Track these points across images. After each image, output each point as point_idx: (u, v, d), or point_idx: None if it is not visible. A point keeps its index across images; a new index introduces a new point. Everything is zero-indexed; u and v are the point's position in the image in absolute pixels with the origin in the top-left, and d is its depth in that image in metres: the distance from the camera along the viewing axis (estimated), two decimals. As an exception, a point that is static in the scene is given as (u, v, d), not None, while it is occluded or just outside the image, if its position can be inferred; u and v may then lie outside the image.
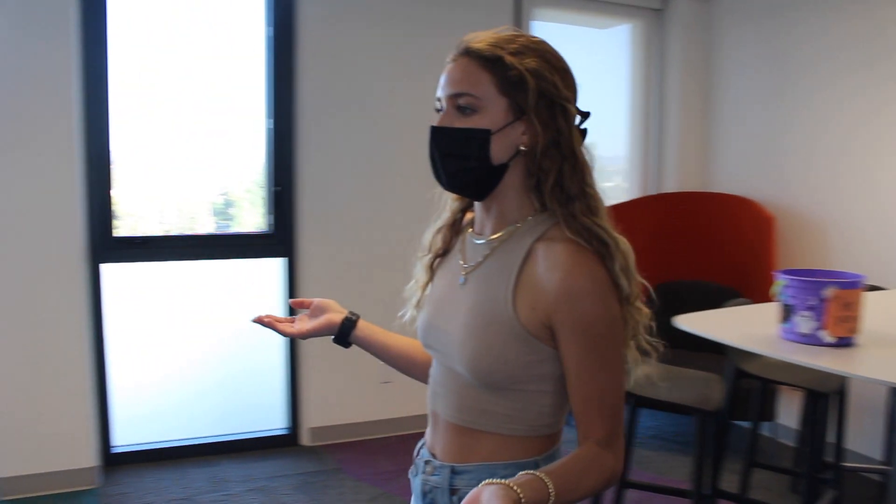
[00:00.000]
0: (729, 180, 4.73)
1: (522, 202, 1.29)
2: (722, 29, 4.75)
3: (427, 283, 1.43)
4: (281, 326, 1.56)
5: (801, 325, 2.11)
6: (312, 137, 4.00)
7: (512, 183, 1.28)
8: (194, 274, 4.07)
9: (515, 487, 1.06)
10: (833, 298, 2.07)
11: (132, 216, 3.91)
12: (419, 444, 1.45)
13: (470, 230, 1.38)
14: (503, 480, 1.06)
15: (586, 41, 4.96)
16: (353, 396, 4.19)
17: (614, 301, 1.21)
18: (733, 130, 4.72)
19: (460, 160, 1.25)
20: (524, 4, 4.45)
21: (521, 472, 1.11)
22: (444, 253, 1.42)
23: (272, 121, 4.01)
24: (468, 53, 1.25)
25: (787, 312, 2.15)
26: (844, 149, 4.02)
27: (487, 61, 1.23)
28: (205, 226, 4.20)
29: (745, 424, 4.13)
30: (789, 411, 4.11)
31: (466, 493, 1.08)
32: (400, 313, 1.51)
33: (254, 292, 4.24)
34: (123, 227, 3.80)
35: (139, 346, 4.02)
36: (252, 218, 4.22)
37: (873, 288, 3.22)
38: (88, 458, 3.55)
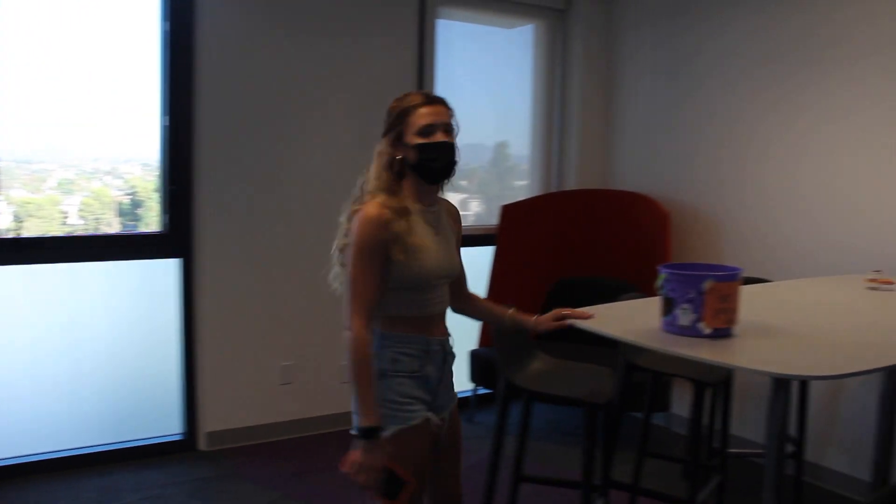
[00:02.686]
0: (627, 177, 4.85)
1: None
2: (623, 29, 4.86)
3: (415, 245, 2.07)
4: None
5: (681, 318, 2.17)
6: (210, 135, 3.91)
7: None
8: (86, 276, 3.91)
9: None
10: (710, 291, 2.13)
11: (34, 217, 3.74)
12: (424, 351, 2.13)
13: (419, 206, 2.13)
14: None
15: (491, 40, 4.99)
16: (252, 399, 4.11)
17: None
18: (633, 129, 4.83)
19: (455, 161, 2.15)
20: (428, 4, 4.44)
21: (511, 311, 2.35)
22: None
23: (168, 118, 3.90)
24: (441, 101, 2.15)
25: (669, 305, 2.21)
26: (738, 146, 4.17)
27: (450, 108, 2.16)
28: (111, 226, 4.04)
29: (641, 416, 4.24)
30: (682, 401, 4.24)
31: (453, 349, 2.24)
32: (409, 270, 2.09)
33: (148, 294, 4.11)
34: (21, 228, 3.63)
35: (25, 352, 3.84)
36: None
37: (758, 280, 3.34)
38: (-33, 471, 3.38)
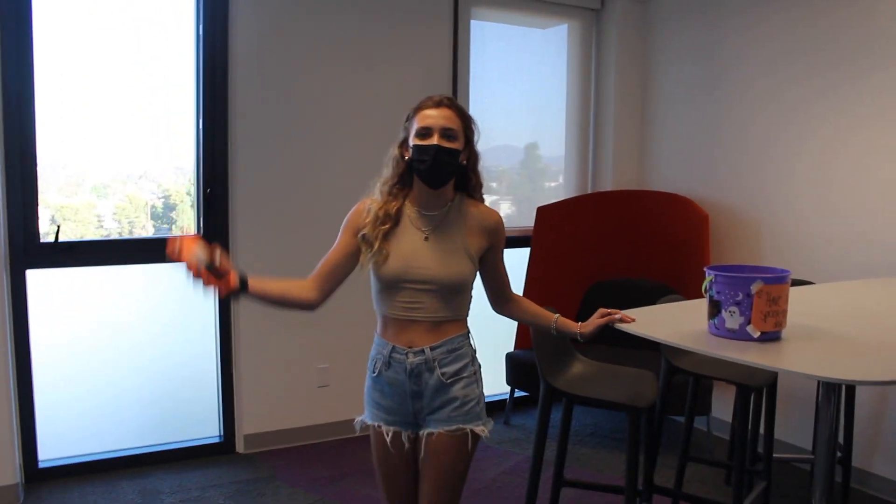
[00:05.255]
0: (664, 178, 4.78)
1: (449, 191, 2.15)
2: (657, 29, 4.80)
3: (382, 246, 2.11)
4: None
5: (729, 321, 2.12)
6: (245, 138, 3.92)
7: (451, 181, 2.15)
8: (123, 279, 3.94)
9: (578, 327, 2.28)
10: (759, 293, 2.08)
11: (70, 220, 3.78)
12: (383, 354, 2.15)
13: (414, 209, 2.14)
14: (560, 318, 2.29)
15: (525, 41, 4.96)
16: (289, 402, 4.11)
17: None
18: (668, 129, 4.77)
19: (450, 166, 2.09)
20: (462, 4, 4.42)
21: (556, 317, 2.28)
22: (393, 227, 2.13)
23: (202, 121, 3.92)
24: (450, 105, 2.11)
25: (715, 308, 2.16)
26: (779, 147, 4.09)
27: (462, 114, 2.14)
28: (145, 230, 4.06)
29: (682, 419, 4.18)
30: (724, 405, 4.16)
31: (442, 364, 2.10)
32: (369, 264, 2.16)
33: (184, 297, 4.12)
34: (58, 232, 3.65)
35: (66, 356, 3.88)
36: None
37: (802, 283, 3.27)
38: (10, 474, 3.40)
